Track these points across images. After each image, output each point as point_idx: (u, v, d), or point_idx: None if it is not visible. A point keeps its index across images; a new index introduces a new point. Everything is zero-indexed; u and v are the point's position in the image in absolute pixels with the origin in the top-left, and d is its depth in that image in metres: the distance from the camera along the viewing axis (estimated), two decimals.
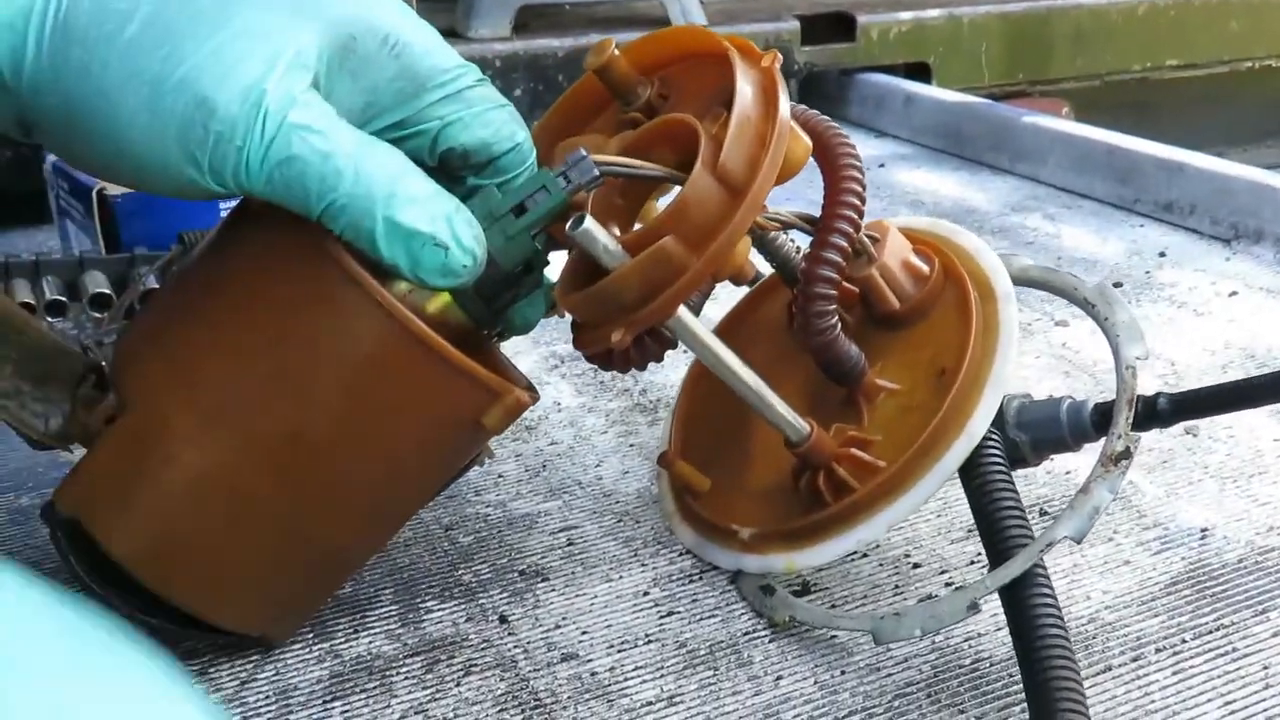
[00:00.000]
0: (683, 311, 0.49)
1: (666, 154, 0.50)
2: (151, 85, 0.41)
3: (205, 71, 0.41)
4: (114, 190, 0.84)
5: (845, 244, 0.52)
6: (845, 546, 0.53)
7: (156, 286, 0.80)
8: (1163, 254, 0.99)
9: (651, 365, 0.52)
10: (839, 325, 0.54)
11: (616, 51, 0.53)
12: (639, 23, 1.33)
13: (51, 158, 0.91)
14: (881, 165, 1.24)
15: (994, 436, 0.53)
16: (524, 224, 0.47)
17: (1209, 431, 0.71)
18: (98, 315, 0.78)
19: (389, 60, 0.46)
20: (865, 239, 0.56)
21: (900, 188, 1.18)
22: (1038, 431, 0.55)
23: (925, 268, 0.58)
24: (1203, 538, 0.60)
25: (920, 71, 1.44)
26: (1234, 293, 0.91)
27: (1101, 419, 0.54)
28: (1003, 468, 0.53)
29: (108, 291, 0.79)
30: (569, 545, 0.60)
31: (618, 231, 0.51)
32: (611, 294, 0.48)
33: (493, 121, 0.48)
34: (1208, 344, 0.82)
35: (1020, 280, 0.61)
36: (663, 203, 0.53)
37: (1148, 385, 0.77)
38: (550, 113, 0.58)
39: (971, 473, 0.53)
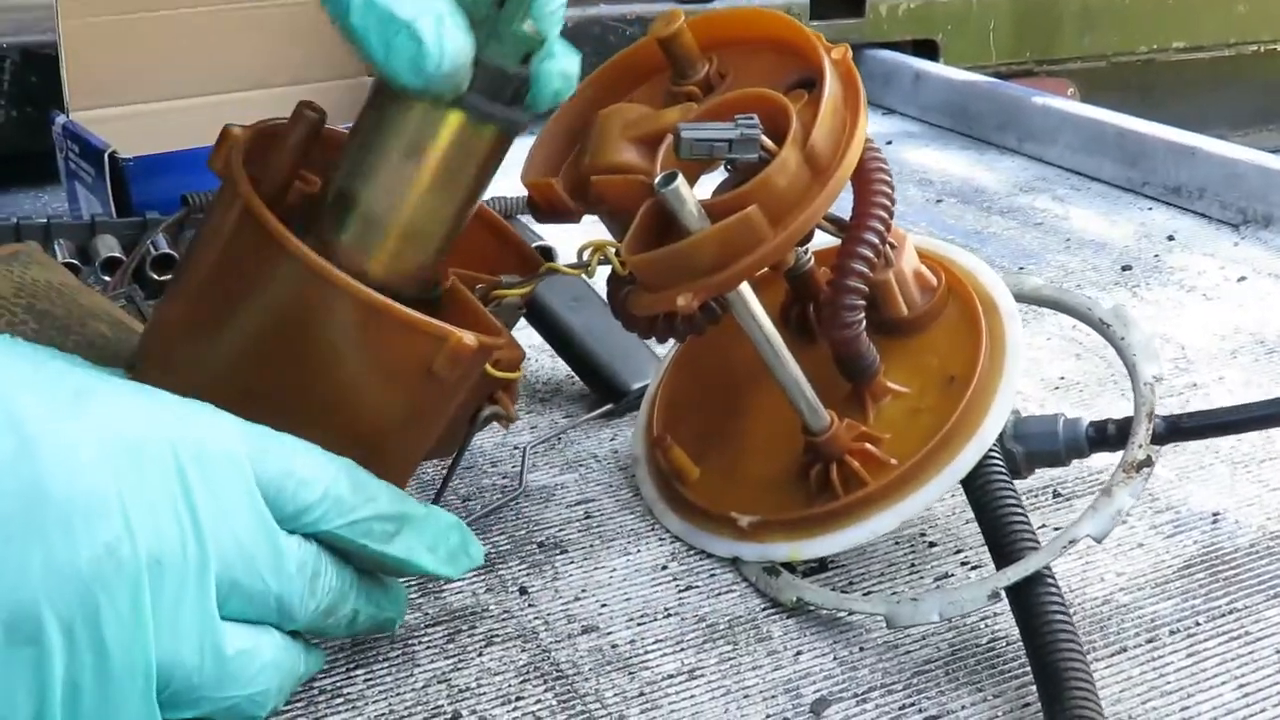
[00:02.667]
0: (744, 285, 0.50)
1: None
2: None
3: None
4: (125, 153, 0.84)
5: (878, 242, 0.53)
6: (856, 538, 0.54)
7: (166, 250, 0.80)
8: (1171, 237, 0.99)
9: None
10: (864, 322, 0.54)
11: (684, 23, 0.53)
12: None
13: (61, 119, 0.90)
14: (889, 142, 1.24)
15: (993, 445, 0.54)
16: (508, 15, 0.44)
17: None
18: (108, 279, 0.78)
19: None
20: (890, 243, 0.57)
21: (908, 165, 1.17)
22: (1033, 444, 0.57)
23: (933, 279, 0.58)
24: (1214, 522, 0.61)
25: (928, 48, 1.43)
26: (1243, 278, 0.91)
27: (1097, 434, 0.56)
28: (1004, 474, 0.54)
29: (119, 255, 0.79)
30: (586, 518, 0.60)
31: None
32: (687, 256, 0.48)
33: None
34: (1217, 329, 0.83)
35: (1033, 300, 0.62)
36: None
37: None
38: (593, 78, 0.57)
39: (975, 477, 0.53)
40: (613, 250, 0.51)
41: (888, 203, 0.53)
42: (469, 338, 0.46)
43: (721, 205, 0.48)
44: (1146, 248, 0.97)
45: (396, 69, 0.42)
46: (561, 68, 0.46)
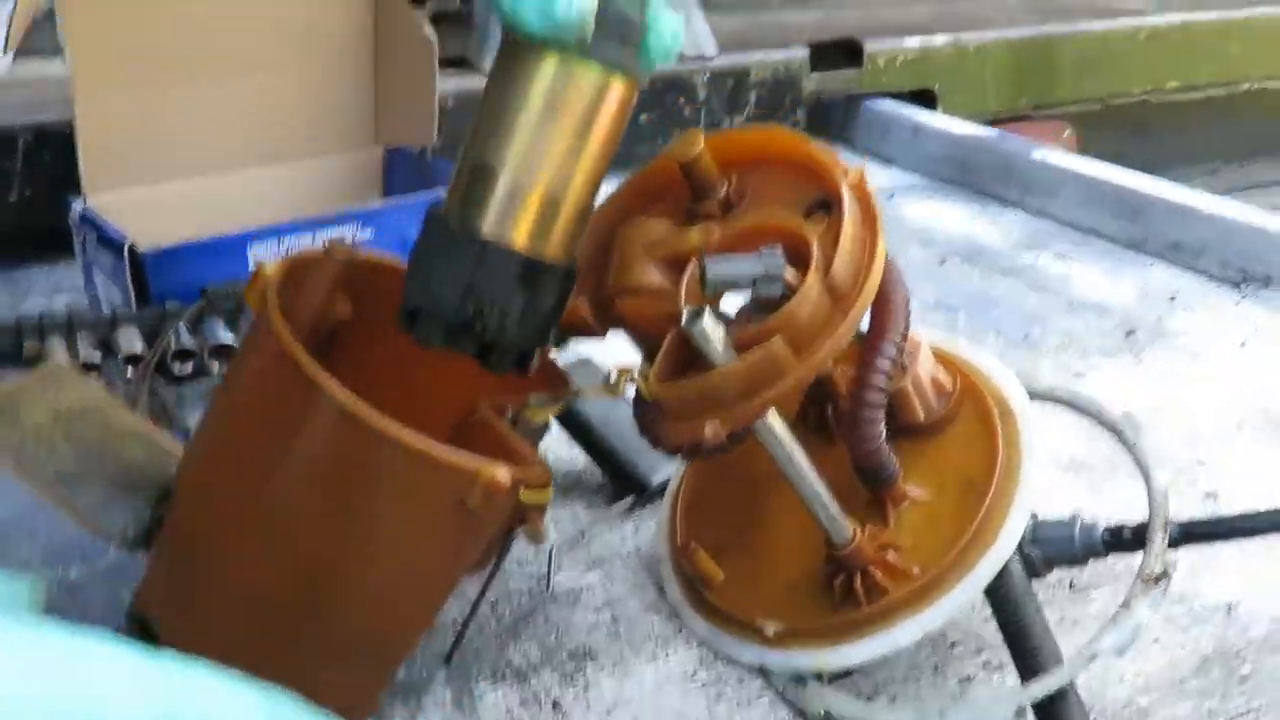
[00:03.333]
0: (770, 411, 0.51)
1: (753, 249, 0.52)
2: None
3: None
4: (142, 234, 0.85)
5: (896, 355, 0.54)
6: (879, 649, 0.55)
7: (188, 344, 0.81)
8: (1173, 298, 1.01)
9: None
10: (884, 433, 0.55)
11: (704, 147, 0.54)
12: None
13: (78, 205, 0.91)
14: (891, 197, 1.25)
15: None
16: None
17: (1228, 498, 0.72)
18: (131, 372, 0.79)
19: None
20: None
21: (911, 223, 1.19)
22: (1051, 548, 0.58)
23: (948, 383, 0.59)
24: (1228, 614, 0.62)
25: (925, 97, 1.45)
26: (1244, 342, 0.92)
27: (1113, 539, 0.57)
28: (1025, 581, 0.55)
29: (140, 352, 0.80)
30: (614, 622, 0.62)
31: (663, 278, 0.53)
32: (715, 388, 0.49)
33: None
34: (1223, 397, 0.84)
35: (1046, 398, 0.63)
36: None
37: (1166, 441, 0.79)
38: (618, 193, 0.58)
39: (996, 584, 0.54)
40: (639, 374, 0.52)
41: (905, 314, 0.55)
42: (503, 474, 0.47)
43: (747, 338, 0.49)
44: (1149, 309, 0.99)
45: (525, 16, 0.44)
46: (672, 21, 0.48)
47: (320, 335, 0.53)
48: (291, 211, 0.99)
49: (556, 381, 0.56)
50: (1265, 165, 1.92)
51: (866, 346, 0.55)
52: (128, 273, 0.83)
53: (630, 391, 0.56)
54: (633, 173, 0.59)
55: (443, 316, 0.47)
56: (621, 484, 0.71)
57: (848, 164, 0.54)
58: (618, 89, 0.47)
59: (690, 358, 0.51)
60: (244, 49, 0.96)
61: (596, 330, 0.56)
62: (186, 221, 0.90)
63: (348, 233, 0.90)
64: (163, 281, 0.84)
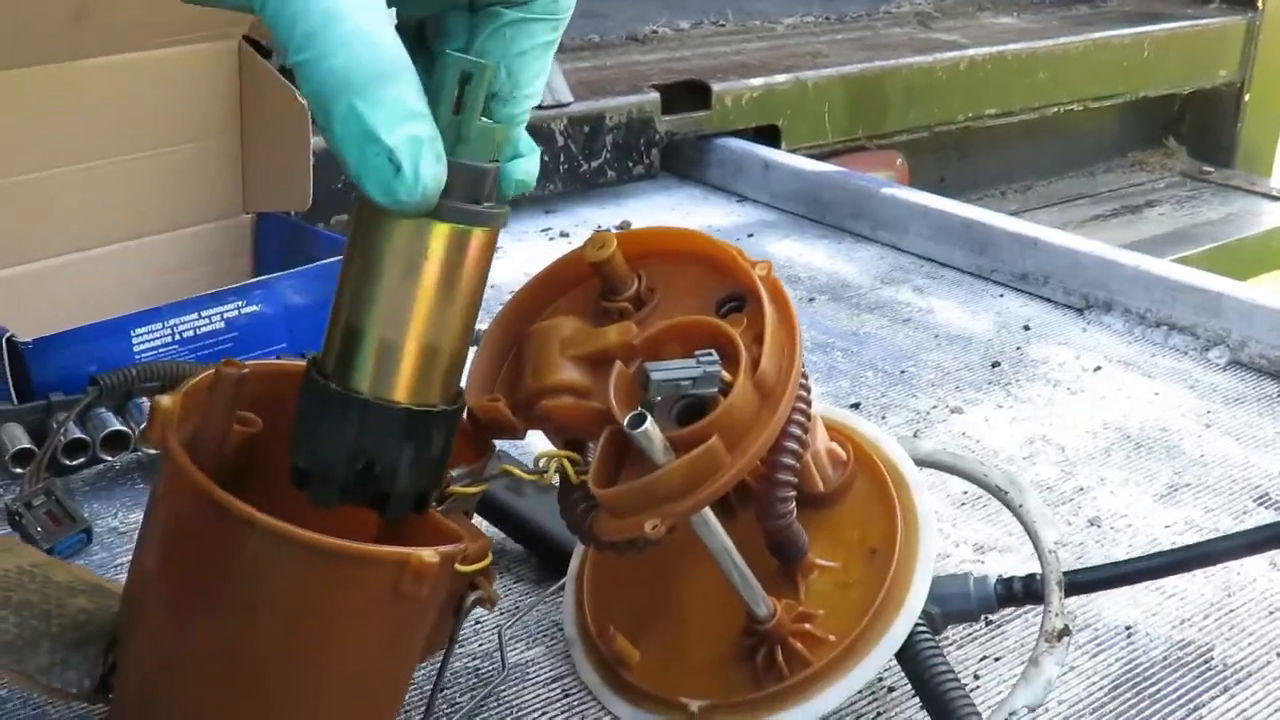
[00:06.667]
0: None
1: (676, 348, 0.53)
2: None
3: None
4: (15, 317, 0.81)
5: (802, 434, 0.56)
6: (806, 718, 0.57)
7: (78, 435, 0.78)
8: (1027, 327, 1.08)
9: None
10: (795, 510, 0.57)
11: (617, 247, 0.55)
12: None
13: None
14: (750, 235, 1.29)
15: None
16: (469, 115, 0.44)
17: (1109, 523, 0.78)
18: (19, 471, 0.76)
19: None
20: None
21: (775, 261, 1.22)
22: (949, 605, 0.61)
23: (843, 453, 0.62)
24: (1129, 636, 0.67)
25: (770, 133, 1.50)
26: (1098, 367, 1.00)
27: (1006, 592, 0.61)
28: (933, 642, 0.58)
29: (28, 445, 0.77)
30: (565, 696, 0.63)
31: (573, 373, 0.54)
32: (655, 487, 0.50)
33: None
34: (1087, 425, 0.90)
35: (928, 464, 0.66)
36: None
37: (1046, 473, 0.85)
38: (524, 291, 0.59)
39: (906, 647, 0.57)
40: (568, 461, 0.53)
41: (806, 394, 0.57)
42: (429, 555, 0.47)
43: (685, 438, 0.51)
44: (1008, 339, 1.05)
45: (368, 188, 0.42)
46: (523, 168, 0.48)
47: (232, 456, 0.52)
48: (161, 287, 0.96)
49: (474, 443, 0.56)
50: (1072, 181, 2.07)
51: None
52: (7, 366, 0.80)
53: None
54: (540, 271, 0.59)
55: (334, 479, 0.47)
56: (545, 555, 0.72)
57: (752, 259, 0.55)
58: (477, 239, 0.46)
59: (622, 455, 0.52)
60: (99, 129, 0.93)
61: (518, 430, 0.56)
62: (54, 308, 0.87)
63: (232, 309, 0.89)
64: (45, 372, 0.80)
